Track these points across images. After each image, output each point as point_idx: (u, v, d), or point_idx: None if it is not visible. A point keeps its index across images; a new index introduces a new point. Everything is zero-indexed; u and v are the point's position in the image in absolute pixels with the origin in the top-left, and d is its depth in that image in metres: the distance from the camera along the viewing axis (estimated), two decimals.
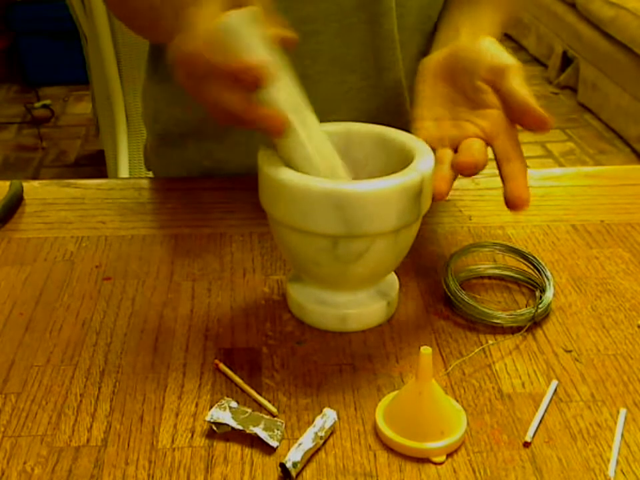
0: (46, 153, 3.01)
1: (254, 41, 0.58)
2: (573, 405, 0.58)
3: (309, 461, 0.53)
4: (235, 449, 0.54)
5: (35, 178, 2.79)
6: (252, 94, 0.58)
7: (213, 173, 0.94)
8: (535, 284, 0.71)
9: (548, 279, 0.69)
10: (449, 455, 0.54)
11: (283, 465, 0.52)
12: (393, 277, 0.69)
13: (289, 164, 0.61)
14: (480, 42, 0.69)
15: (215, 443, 0.55)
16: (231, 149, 0.92)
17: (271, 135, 0.60)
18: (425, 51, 0.90)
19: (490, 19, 0.80)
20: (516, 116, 0.65)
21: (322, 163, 0.62)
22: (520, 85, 0.65)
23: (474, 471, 0.53)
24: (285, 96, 0.59)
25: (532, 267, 0.72)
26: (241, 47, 0.57)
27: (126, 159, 1.60)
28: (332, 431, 0.55)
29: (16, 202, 0.84)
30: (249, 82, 0.58)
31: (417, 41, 0.89)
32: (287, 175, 0.59)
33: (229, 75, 0.57)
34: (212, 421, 0.55)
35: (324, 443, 0.54)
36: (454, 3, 0.87)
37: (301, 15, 0.81)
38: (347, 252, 0.61)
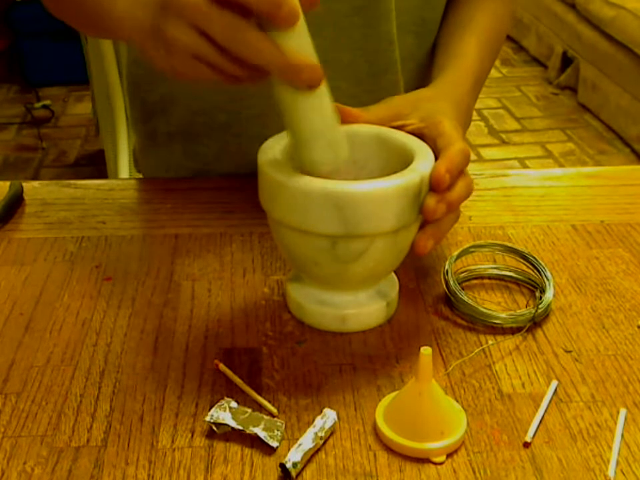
0: (46, 153, 3.01)
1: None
2: (573, 405, 0.58)
3: (309, 461, 0.53)
4: (235, 449, 0.54)
5: (35, 178, 2.79)
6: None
7: (199, 174, 0.93)
8: (534, 284, 0.71)
9: (548, 279, 0.69)
10: (449, 455, 0.54)
11: (282, 465, 0.52)
12: (392, 277, 0.69)
13: (304, 127, 0.59)
14: (443, 123, 0.66)
15: (214, 443, 0.55)
16: (217, 151, 0.91)
17: (299, 85, 0.56)
18: (419, 53, 0.90)
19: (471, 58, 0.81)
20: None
21: (337, 130, 0.61)
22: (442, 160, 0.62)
23: (474, 471, 0.53)
24: (306, 44, 0.56)
25: (532, 267, 0.72)
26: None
27: (126, 159, 1.59)
28: (332, 431, 0.55)
29: (16, 202, 0.84)
30: (283, 18, 0.53)
31: (410, 42, 0.89)
32: (286, 175, 0.59)
33: (261, 6, 0.52)
34: (212, 421, 0.55)
35: (324, 443, 0.54)
36: (443, 30, 0.88)
37: None
38: (346, 252, 0.61)
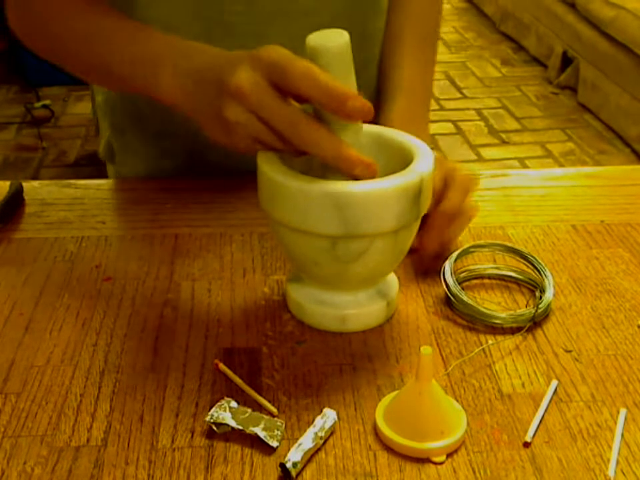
0: (46, 153, 3.01)
1: (350, 70, 0.59)
2: (573, 405, 0.58)
3: (309, 461, 0.53)
4: (235, 448, 0.54)
5: (35, 178, 2.79)
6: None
7: (172, 173, 0.93)
8: (534, 284, 0.71)
9: (548, 279, 0.69)
10: (449, 455, 0.54)
11: (282, 465, 0.52)
12: (392, 277, 0.69)
13: None
14: None
15: (215, 443, 0.55)
16: (188, 152, 0.91)
17: (351, 175, 0.59)
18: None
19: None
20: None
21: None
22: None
23: (474, 471, 0.53)
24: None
25: (532, 267, 0.72)
26: (340, 75, 0.57)
27: None
28: (332, 431, 0.55)
29: (16, 202, 0.84)
30: (354, 116, 0.57)
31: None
32: (286, 175, 0.59)
33: (332, 101, 0.56)
34: (212, 421, 0.55)
35: (324, 443, 0.54)
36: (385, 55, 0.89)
37: (298, 8, 0.81)
38: (346, 252, 0.61)
